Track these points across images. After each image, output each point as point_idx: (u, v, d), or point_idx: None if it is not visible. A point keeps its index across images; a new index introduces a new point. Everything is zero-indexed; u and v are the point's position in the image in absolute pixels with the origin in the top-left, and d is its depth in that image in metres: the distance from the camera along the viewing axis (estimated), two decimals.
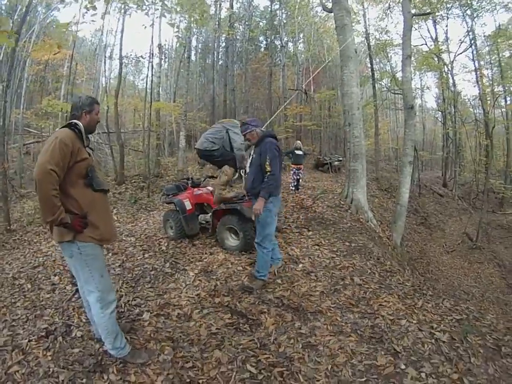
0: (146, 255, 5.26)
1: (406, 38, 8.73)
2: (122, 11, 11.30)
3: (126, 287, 4.12)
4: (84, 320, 3.25)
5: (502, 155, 21.17)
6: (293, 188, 10.90)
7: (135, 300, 3.77)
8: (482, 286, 11.31)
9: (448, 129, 22.31)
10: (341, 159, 18.87)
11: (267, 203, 3.83)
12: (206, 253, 5.12)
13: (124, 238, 6.47)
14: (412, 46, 13.72)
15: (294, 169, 10.90)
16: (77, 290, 3.88)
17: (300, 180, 11.20)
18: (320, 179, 15.29)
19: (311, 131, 24.86)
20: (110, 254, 5.42)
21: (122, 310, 3.54)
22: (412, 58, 14.60)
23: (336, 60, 26.07)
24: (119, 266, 4.83)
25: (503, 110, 21.13)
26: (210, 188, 6.04)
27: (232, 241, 5.25)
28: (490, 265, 12.67)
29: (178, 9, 6.03)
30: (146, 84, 14.65)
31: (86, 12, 4.57)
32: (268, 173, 3.79)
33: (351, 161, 8.34)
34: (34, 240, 7.08)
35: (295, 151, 11.07)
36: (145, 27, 7.51)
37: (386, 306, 3.51)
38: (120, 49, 13.85)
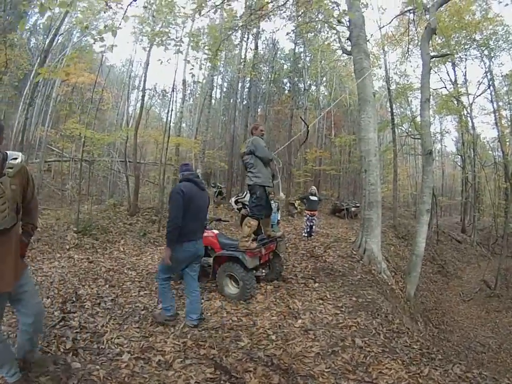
0: (141, 293, 5.14)
1: (424, 81, 8.64)
2: (148, 45, 11.61)
3: (112, 324, 3.98)
4: (62, 350, 3.15)
5: None
6: (306, 235, 10.52)
7: (118, 338, 3.61)
8: (499, 336, 10.72)
9: (467, 173, 22.10)
10: (358, 205, 18.68)
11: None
12: (203, 298, 4.87)
13: (125, 271, 6.45)
14: (432, 89, 13.74)
15: (308, 215, 10.56)
16: (63, 318, 3.89)
17: (314, 227, 10.81)
18: (336, 225, 14.98)
19: (330, 176, 24.72)
20: (107, 286, 5.38)
21: (103, 347, 3.38)
22: (432, 102, 14.54)
23: (357, 104, 26.26)
24: (111, 300, 4.73)
25: None
26: (215, 231, 5.86)
27: (232, 288, 5.06)
28: (509, 314, 12.02)
29: (194, 45, 6.10)
30: (167, 118, 14.97)
31: (94, 43, 4.70)
32: (167, 220, 3.83)
33: (365, 209, 8.03)
34: (38, 258, 6.98)
35: (310, 196, 10.81)
36: (161, 62, 7.64)
37: (387, 374, 3.14)
38: (144, 81, 14.30)
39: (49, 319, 3.87)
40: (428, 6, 9.70)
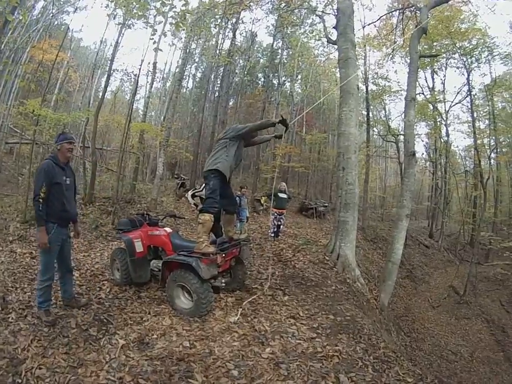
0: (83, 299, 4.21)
1: (411, 80, 8.14)
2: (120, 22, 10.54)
3: (36, 346, 3.14)
4: None
5: (489, 206, 21.06)
6: (272, 235, 9.67)
7: (40, 368, 2.82)
8: (470, 344, 10.71)
9: (437, 179, 22.33)
10: (326, 204, 18.69)
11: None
12: (149, 313, 4.02)
13: None
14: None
15: (276, 214, 9.65)
16: None
17: (281, 226, 10.03)
18: (303, 225, 14.41)
19: (298, 173, 24.36)
20: None
21: (20, 381, 2.64)
22: None
23: (330, 103, 26.18)
24: None
25: (492, 161, 21.39)
26: (168, 229, 4.93)
27: (184, 301, 4.15)
28: (478, 321, 12.03)
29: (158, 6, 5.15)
30: (131, 99, 13.84)
31: None
32: None
33: (341, 211, 7.34)
34: None
35: (279, 193, 9.80)
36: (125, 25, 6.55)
37: None
38: (111, 61, 13.23)
39: None
40: (420, 7, 9.33)
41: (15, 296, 4.12)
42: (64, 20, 23.66)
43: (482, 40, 16.27)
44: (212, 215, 4.37)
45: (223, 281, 4.64)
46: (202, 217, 4.31)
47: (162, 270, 4.41)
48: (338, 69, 8.71)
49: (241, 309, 4.26)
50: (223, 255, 4.36)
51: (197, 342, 3.40)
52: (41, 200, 3.45)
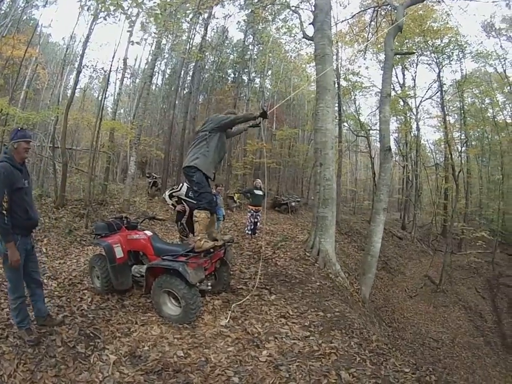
0: (60, 316, 3.88)
1: (386, 76, 8.27)
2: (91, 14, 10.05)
3: (22, 370, 2.84)
4: None
5: (460, 198, 21.89)
6: (249, 232, 9.66)
7: None
8: (450, 331, 11.11)
9: (408, 172, 22.89)
10: (299, 199, 18.97)
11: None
12: (136, 323, 3.84)
13: (45, 281, 5.01)
14: (379, 89, 13.75)
15: (252, 211, 9.65)
16: None
17: (258, 223, 9.96)
18: (278, 221, 14.52)
19: (269, 169, 24.41)
20: None
21: None
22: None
23: (300, 99, 26.34)
24: None
25: (462, 154, 22.16)
26: (148, 233, 4.74)
27: (172, 308, 4.01)
28: (455, 308, 12.54)
29: None
30: (102, 99, 13.36)
31: None
32: None
33: (320, 207, 7.35)
34: None
35: (255, 190, 9.79)
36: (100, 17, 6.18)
37: None
38: (81, 56, 12.65)
39: None
40: (395, 5, 9.49)
41: None
42: (33, 14, 22.67)
43: (454, 39, 16.80)
44: (209, 212, 4.29)
45: (209, 284, 4.51)
46: (198, 215, 4.21)
47: (146, 276, 4.22)
48: (313, 65, 8.75)
49: (230, 312, 4.18)
50: (210, 257, 4.28)
51: (190, 351, 3.29)
52: (5, 211, 3.01)
